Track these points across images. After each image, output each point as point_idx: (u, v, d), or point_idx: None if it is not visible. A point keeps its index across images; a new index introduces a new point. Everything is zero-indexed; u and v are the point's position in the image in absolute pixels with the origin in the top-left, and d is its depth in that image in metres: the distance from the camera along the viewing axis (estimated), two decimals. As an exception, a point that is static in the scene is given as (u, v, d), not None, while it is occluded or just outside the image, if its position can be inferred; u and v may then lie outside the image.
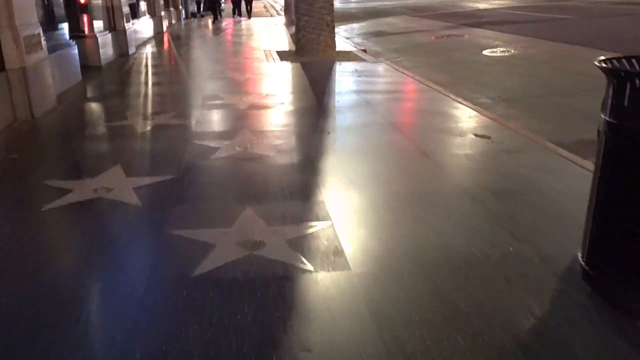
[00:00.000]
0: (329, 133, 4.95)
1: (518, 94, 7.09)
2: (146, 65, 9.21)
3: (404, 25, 17.08)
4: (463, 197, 3.33)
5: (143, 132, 4.96)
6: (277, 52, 10.84)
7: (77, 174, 3.86)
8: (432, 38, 13.46)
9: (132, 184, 3.58)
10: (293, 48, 11.77)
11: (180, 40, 13.69)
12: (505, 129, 5.02)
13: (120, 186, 3.56)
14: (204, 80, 7.75)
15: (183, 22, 20.42)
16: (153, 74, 8.50)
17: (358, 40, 13.97)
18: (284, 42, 12.87)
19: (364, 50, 11.32)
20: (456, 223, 2.98)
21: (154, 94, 6.88)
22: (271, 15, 23.71)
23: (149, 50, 11.19)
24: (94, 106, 6.35)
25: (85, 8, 8.28)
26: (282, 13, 23.38)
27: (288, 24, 17.47)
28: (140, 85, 7.54)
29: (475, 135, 4.80)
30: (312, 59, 9.71)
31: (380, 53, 11.55)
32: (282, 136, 4.79)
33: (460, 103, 6.07)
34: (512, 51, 10.56)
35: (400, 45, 12.71)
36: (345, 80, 7.70)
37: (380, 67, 8.96)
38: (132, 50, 10.35)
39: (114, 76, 8.31)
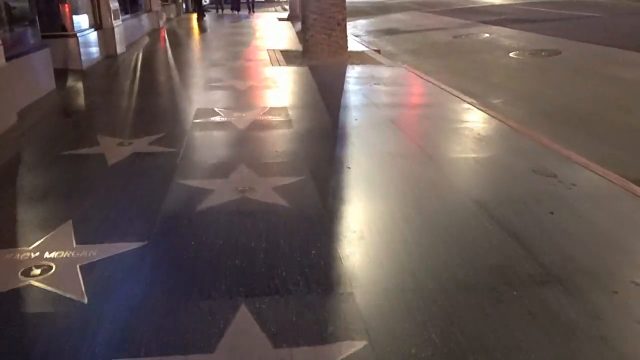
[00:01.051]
0: (349, 167, 3.93)
1: (566, 108, 6.03)
2: (135, 69, 8.18)
3: (417, 22, 16.00)
4: (559, 292, 2.30)
5: (114, 166, 3.93)
6: (283, 52, 9.79)
7: None
8: (451, 37, 12.38)
9: (78, 260, 2.56)
10: (300, 47, 10.72)
11: (177, 39, 12.64)
12: (569, 162, 3.98)
13: (61, 262, 2.54)
14: (199, 89, 6.71)
15: (184, 16, 19.34)
16: (141, 80, 7.47)
17: (368, 38, 12.90)
18: (290, 41, 11.80)
19: (378, 51, 10.27)
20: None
21: (138, 108, 5.84)
22: (275, 10, 22.60)
23: (140, 50, 10.14)
24: (61, 125, 5.30)
25: (64, 2, 7.24)
26: (287, 7, 22.30)
27: (293, 19, 16.40)
28: (124, 95, 6.50)
29: (535, 172, 3.77)
30: (322, 62, 8.67)
31: (395, 54, 10.49)
32: (290, 171, 3.77)
33: (502, 122, 5.04)
34: (543, 54, 9.49)
35: (416, 45, 11.64)
36: (361, 89, 6.66)
37: (399, 72, 7.91)
38: (121, 50, 9.32)
39: (95, 83, 7.27)
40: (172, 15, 17.37)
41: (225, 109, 5.57)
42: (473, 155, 4.14)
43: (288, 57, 9.23)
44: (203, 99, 6.09)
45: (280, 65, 8.40)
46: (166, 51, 10.18)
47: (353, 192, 3.48)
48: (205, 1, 21.79)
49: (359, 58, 9.19)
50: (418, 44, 11.73)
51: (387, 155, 4.15)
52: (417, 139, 4.59)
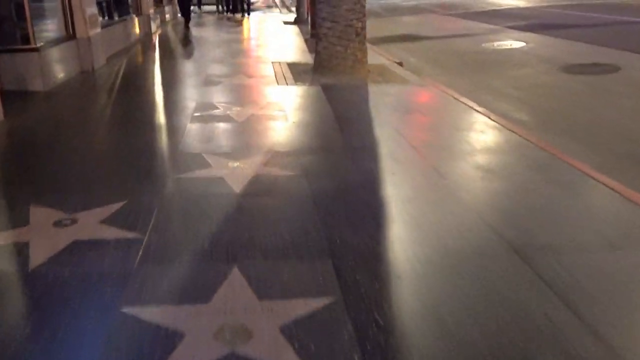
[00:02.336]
0: (398, 277, 2.50)
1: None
2: (110, 90, 6.77)
3: (436, 27, 14.54)
4: None
5: (36, 272, 2.52)
6: (290, 65, 8.35)
7: None
8: (480, 46, 10.92)
9: None
10: (309, 59, 9.29)
11: (170, 46, 11.19)
12: None
13: None
14: (186, 119, 5.28)
15: (181, 19, 17.88)
16: (114, 106, 6.06)
17: (385, 46, 11.46)
18: (298, 50, 10.37)
19: (400, 64, 8.84)
20: None
21: (100, 153, 4.40)
22: (280, 11, 21.16)
23: (124, 63, 8.71)
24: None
25: (22, 9, 5.84)
26: (293, 9, 20.86)
27: (301, 23, 14.97)
28: (86, 130, 5.03)
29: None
30: (337, 79, 7.24)
31: (419, 67, 9.05)
32: (312, 288, 2.35)
33: (585, 174, 3.61)
34: (598, 69, 8.04)
35: (441, 55, 10.18)
36: (391, 120, 5.24)
37: (433, 95, 6.48)
38: (100, 64, 7.90)
39: (54, 111, 5.78)
40: (168, 18, 15.96)
41: (217, 155, 4.14)
42: (609, 254, 2.70)
43: (296, 72, 7.81)
44: (190, 137, 4.67)
45: (287, 83, 6.97)
46: (154, 63, 8.75)
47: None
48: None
49: (381, 74, 7.76)
50: (443, 54, 10.28)
51: (459, 255, 2.72)
52: (489, 214, 3.14)
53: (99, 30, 7.88)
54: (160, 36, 12.50)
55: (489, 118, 5.35)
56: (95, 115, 5.57)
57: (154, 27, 12.74)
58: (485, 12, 17.53)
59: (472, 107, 5.80)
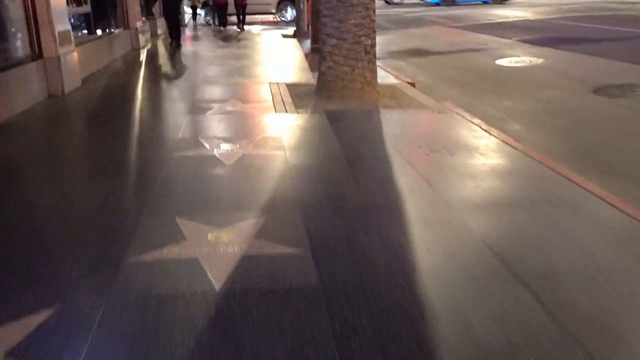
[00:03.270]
0: None
1: None
2: (76, 120, 5.79)
3: (445, 40, 13.63)
4: None
5: None
6: (290, 86, 7.41)
7: None
8: (496, 62, 10.00)
9: None
10: (310, 76, 8.36)
11: (156, 64, 10.17)
12: None
13: None
14: (162, 165, 4.30)
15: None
16: (74, 142, 5.07)
17: (393, 62, 10.53)
18: (298, 67, 9.44)
19: (412, 85, 7.90)
20: None
21: (43, 229, 3.38)
22: (277, 24, 20.28)
23: (102, 84, 7.74)
24: None
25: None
26: (291, 20, 19.99)
27: (301, 36, 14.07)
28: (30, 187, 4.02)
29: None
30: (344, 104, 6.29)
31: (434, 87, 8.12)
32: None
33: None
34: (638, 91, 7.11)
35: (456, 72, 9.25)
36: (414, 161, 4.27)
37: (455, 124, 5.51)
38: (72, 86, 6.94)
39: (3, 149, 4.83)
40: (159, 32, 15.04)
41: (195, 221, 3.15)
42: None
43: (297, 95, 6.85)
44: (164, 191, 3.68)
45: (286, 110, 6.00)
46: (137, 85, 7.77)
47: None
48: (199, 14, 19.39)
49: (393, 97, 6.81)
50: (458, 71, 9.35)
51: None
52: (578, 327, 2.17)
53: (72, 48, 6.93)
54: (148, 52, 11.53)
55: (532, 158, 4.39)
56: (51, 154, 4.58)
57: (142, 41, 11.81)
58: (493, 24, 16.66)
59: (506, 142, 4.84)
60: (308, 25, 14.63)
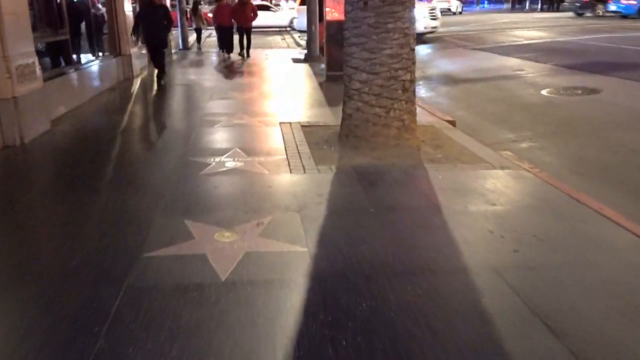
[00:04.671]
0: None
1: None
2: (23, 190, 4.42)
3: (472, 64, 12.26)
4: None
5: None
6: (305, 128, 6.03)
7: None
8: (542, 92, 8.60)
9: None
10: (328, 112, 7.00)
11: (148, 98, 8.65)
12: None
13: None
14: (128, 262, 2.92)
15: (178, 55, 15.74)
16: (17, 222, 3.71)
17: (422, 91, 9.16)
18: (312, 99, 8.07)
19: (452, 123, 6.51)
20: None
21: None
22: (287, 46, 19.06)
23: (75, 127, 6.32)
24: None
25: None
26: (302, 43, 18.77)
27: (313, 60, 12.77)
28: None
29: None
30: (377, 157, 4.89)
31: (477, 127, 6.72)
32: None
33: None
34: None
35: (499, 107, 7.84)
36: (499, 263, 2.86)
37: (533, 190, 4.09)
38: (36, 132, 5.56)
39: None
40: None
41: None
42: None
43: (315, 142, 5.46)
44: (120, 325, 2.30)
45: (304, 168, 4.58)
46: (119, 127, 6.36)
47: None
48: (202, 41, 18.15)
49: (436, 144, 5.42)
50: (501, 105, 7.95)
51: None
52: None
53: (37, 84, 5.59)
54: (142, 82, 10.17)
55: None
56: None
57: (137, 69, 10.52)
58: (520, 46, 15.29)
59: (607, 218, 3.41)
60: (324, 50, 13.40)
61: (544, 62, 11.72)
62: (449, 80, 10.49)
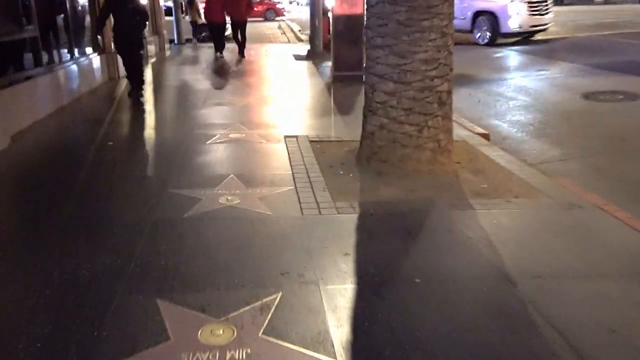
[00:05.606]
0: None
1: None
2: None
3: (489, 64, 11.22)
4: None
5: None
6: (314, 145, 5.03)
7: None
8: (578, 96, 7.59)
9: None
10: (340, 122, 6.03)
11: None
12: None
13: None
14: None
15: (174, 50, 14.66)
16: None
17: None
18: (320, 104, 7.06)
19: (486, 137, 5.53)
20: None
21: None
22: (288, 41, 18.00)
23: (41, 141, 5.33)
24: None
25: None
26: (304, 38, 17.72)
27: (318, 58, 11.73)
28: None
29: None
30: (409, 188, 3.90)
31: (515, 141, 5.74)
32: None
33: None
34: None
35: (534, 114, 6.83)
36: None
37: (618, 240, 3.11)
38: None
39: None
40: (153, 51, 12.76)
41: None
42: None
43: (329, 165, 4.46)
44: None
45: (318, 205, 3.59)
46: (90, 146, 5.29)
47: None
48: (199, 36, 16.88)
49: (474, 166, 4.43)
50: (534, 112, 6.94)
51: None
52: None
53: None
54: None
55: None
56: None
57: (122, 69, 9.47)
58: (537, 41, 14.23)
59: None
60: (325, 45, 12.36)
61: (569, 61, 10.70)
62: (465, 79, 9.44)
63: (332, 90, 8.07)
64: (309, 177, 4.19)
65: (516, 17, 13.62)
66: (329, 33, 12.81)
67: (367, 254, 2.97)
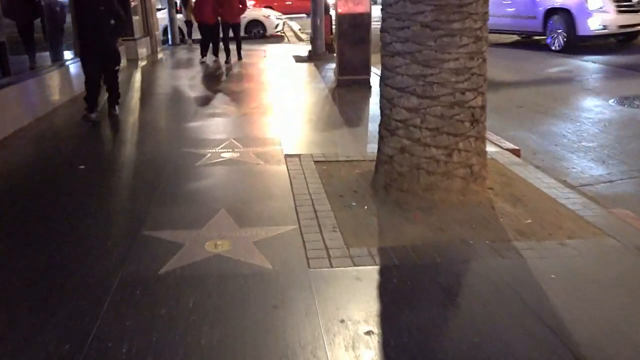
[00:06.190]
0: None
1: None
2: None
3: (503, 62, 10.49)
4: None
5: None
6: (320, 167, 4.32)
7: None
8: (612, 102, 6.88)
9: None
10: (347, 136, 5.34)
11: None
12: None
13: None
14: None
15: (168, 51, 13.93)
16: None
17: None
18: (325, 115, 6.33)
19: (516, 153, 4.81)
20: None
21: None
22: (288, 41, 17.26)
23: (5, 164, 4.69)
24: None
25: None
26: (304, 37, 17.03)
27: (319, 59, 11.02)
28: None
29: None
30: (437, 226, 3.18)
31: (550, 157, 5.03)
32: None
33: None
34: None
35: (566, 124, 6.11)
36: None
37: None
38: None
39: None
40: (144, 54, 12.05)
41: None
42: None
43: (339, 194, 3.74)
44: None
45: (328, 255, 2.87)
46: (58, 170, 4.51)
47: None
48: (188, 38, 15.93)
49: (511, 192, 3.73)
50: (567, 121, 6.21)
51: None
52: None
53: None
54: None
55: None
56: None
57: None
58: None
59: None
60: (327, 45, 11.64)
61: (591, 61, 9.97)
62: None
63: (336, 97, 7.36)
64: (315, 211, 3.48)
65: (598, 15, 10.51)
66: (332, 33, 12.14)
67: (395, 332, 2.25)
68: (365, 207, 3.57)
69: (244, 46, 11.81)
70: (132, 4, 11.80)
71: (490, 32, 3.65)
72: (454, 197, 3.50)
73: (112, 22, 5.82)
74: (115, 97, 6.35)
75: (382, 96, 3.68)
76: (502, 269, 2.77)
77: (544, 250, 2.97)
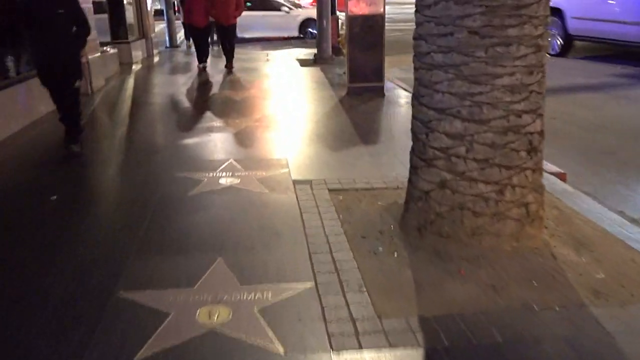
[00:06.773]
0: None
1: None
2: None
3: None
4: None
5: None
6: (337, 197, 3.66)
7: None
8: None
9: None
10: (366, 158, 4.67)
11: (101, 128, 6.10)
12: None
13: None
14: None
15: (164, 54, 13.25)
16: None
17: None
18: (337, 129, 5.65)
19: (562, 178, 4.14)
20: None
21: None
22: (291, 43, 16.58)
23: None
24: None
25: None
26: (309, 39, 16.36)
27: (326, 63, 10.34)
28: None
29: None
30: (491, 285, 2.52)
31: (598, 179, 4.36)
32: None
33: None
34: None
35: (605, 137, 5.43)
36: None
37: None
38: None
39: None
40: (138, 57, 11.38)
41: None
42: None
43: (362, 236, 3.07)
44: None
45: (355, 330, 2.18)
46: (27, 200, 3.84)
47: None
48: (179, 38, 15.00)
49: (570, 233, 3.06)
50: (606, 134, 5.54)
51: None
52: None
53: None
54: (105, 98, 7.68)
55: None
56: None
57: (99, 80, 8.09)
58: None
59: None
60: (334, 48, 10.97)
61: (608, 62, 9.29)
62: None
63: (348, 107, 6.68)
64: (333, 260, 2.81)
65: None
66: (338, 35, 11.47)
67: None
68: (395, 253, 2.90)
69: (249, 49, 11.10)
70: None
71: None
72: (506, 243, 2.83)
73: (74, 29, 4.68)
74: (76, 129, 4.87)
75: (415, 118, 3.00)
76: (585, 351, 2.10)
77: (631, 320, 2.31)
